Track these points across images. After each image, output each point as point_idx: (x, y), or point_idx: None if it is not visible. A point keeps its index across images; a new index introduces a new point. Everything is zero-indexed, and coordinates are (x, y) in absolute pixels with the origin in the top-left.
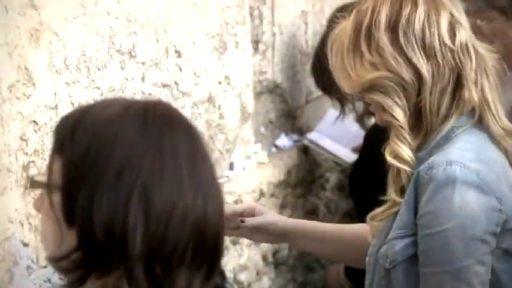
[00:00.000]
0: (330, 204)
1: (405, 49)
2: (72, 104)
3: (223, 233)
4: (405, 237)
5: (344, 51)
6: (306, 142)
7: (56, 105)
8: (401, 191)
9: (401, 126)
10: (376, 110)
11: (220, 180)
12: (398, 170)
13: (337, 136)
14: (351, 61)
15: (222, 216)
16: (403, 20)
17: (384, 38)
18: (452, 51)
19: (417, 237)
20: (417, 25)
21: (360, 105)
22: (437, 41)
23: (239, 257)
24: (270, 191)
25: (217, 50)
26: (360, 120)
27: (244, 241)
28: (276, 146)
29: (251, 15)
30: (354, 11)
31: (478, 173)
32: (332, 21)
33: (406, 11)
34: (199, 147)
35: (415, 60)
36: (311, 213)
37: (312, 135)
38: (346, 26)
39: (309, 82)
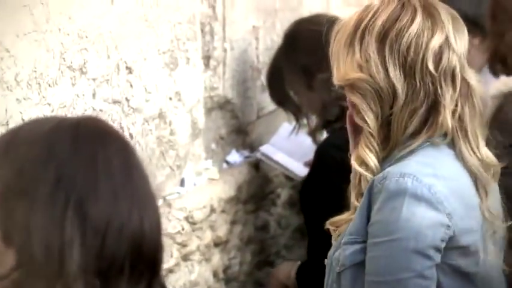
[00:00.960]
0: (281, 220)
1: (387, 61)
2: (23, 120)
3: (162, 244)
4: (355, 243)
5: (342, 43)
6: (258, 155)
7: (7, 122)
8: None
9: (371, 134)
10: (351, 112)
11: (170, 197)
12: (360, 177)
13: (290, 150)
14: (344, 55)
15: (160, 228)
16: (393, 32)
17: (372, 45)
18: (432, 76)
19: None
20: (404, 42)
21: (313, 119)
22: (419, 63)
23: (190, 273)
24: (221, 207)
25: (168, 66)
26: (313, 134)
27: (195, 257)
28: (227, 162)
29: (202, 31)
30: (364, 6)
31: (430, 187)
32: None
33: (400, 24)
34: (133, 160)
35: (392, 74)
36: (262, 229)
37: (265, 149)
38: (352, 18)
39: (260, 98)
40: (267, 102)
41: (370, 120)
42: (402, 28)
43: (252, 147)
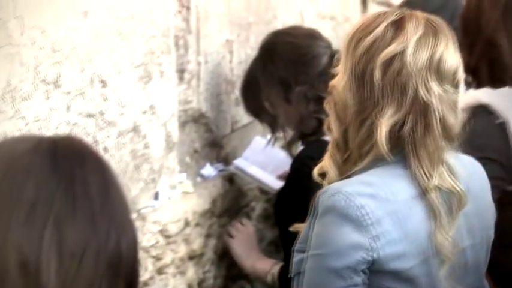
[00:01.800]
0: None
1: (345, 70)
2: None
3: (139, 266)
4: (301, 252)
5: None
6: (232, 169)
7: None
8: None
9: (337, 143)
10: (328, 123)
11: (144, 210)
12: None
13: (263, 163)
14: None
15: (136, 248)
16: (354, 41)
17: (342, 54)
18: (377, 88)
19: None
20: (359, 50)
21: (289, 132)
22: (368, 72)
23: (164, 286)
24: (195, 220)
25: (142, 80)
26: (288, 146)
27: (170, 270)
28: (201, 176)
29: (176, 44)
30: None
31: (360, 207)
32: None
33: (361, 33)
34: (110, 180)
35: (347, 83)
36: None
37: (239, 162)
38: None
39: (234, 111)
40: (241, 115)
41: (335, 129)
42: (362, 38)
43: (227, 161)
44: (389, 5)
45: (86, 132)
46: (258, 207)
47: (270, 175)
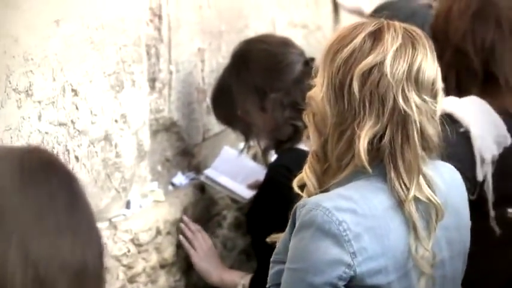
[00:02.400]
0: (226, 242)
1: (324, 81)
2: None
3: (104, 278)
4: (280, 263)
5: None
6: (202, 179)
7: None
8: None
9: (316, 154)
10: (307, 133)
11: (115, 219)
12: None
13: (233, 173)
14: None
15: (103, 262)
16: (332, 52)
17: (320, 66)
18: (356, 99)
19: None
20: (337, 62)
21: (263, 140)
22: (347, 84)
23: None
24: (167, 229)
25: (114, 89)
26: (263, 154)
27: (141, 279)
28: (173, 184)
29: (148, 53)
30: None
31: (340, 223)
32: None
33: (339, 45)
34: (77, 193)
35: (325, 94)
36: None
37: (209, 172)
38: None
39: (206, 120)
40: (212, 124)
41: (314, 140)
42: (339, 49)
43: (198, 169)
44: (360, 13)
45: (58, 141)
46: (230, 215)
47: (240, 184)
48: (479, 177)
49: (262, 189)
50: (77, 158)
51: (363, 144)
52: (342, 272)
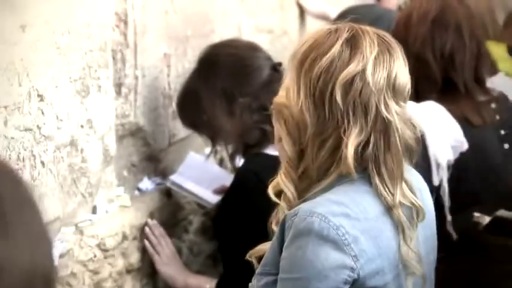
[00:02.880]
0: (193, 247)
1: (300, 89)
2: None
3: (55, 279)
4: (268, 274)
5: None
6: (168, 184)
7: None
8: None
9: (290, 162)
10: (276, 139)
11: (82, 224)
12: (278, 206)
13: (198, 178)
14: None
15: (53, 264)
16: (309, 60)
17: (293, 72)
18: (340, 108)
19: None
20: (316, 71)
21: (231, 144)
22: (328, 93)
23: None
24: (133, 234)
25: (80, 94)
26: (231, 159)
27: (107, 284)
28: (139, 189)
29: (114, 58)
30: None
31: (338, 228)
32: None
33: (316, 53)
34: (25, 196)
35: (303, 103)
36: None
37: (175, 178)
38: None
39: (172, 125)
40: (178, 129)
41: (288, 148)
42: (317, 57)
43: (164, 174)
44: (326, 18)
45: (23, 146)
46: (196, 220)
47: (206, 190)
48: (435, 182)
49: (230, 193)
50: (43, 163)
51: (350, 152)
52: (346, 275)
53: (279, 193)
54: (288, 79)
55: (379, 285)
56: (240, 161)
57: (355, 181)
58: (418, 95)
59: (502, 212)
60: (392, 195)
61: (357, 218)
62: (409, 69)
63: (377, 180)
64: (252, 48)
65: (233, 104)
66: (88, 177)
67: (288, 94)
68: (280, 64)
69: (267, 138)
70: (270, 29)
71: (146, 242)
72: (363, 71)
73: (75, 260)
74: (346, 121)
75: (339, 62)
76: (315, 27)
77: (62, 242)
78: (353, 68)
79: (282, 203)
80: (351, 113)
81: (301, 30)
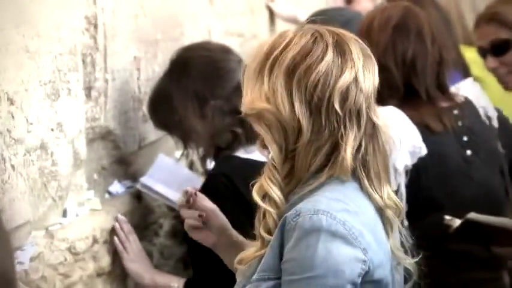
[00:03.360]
0: (163, 250)
1: (293, 96)
2: None
3: (16, 281)
4: (269, 279)
5: (252, 70)
6: (138, 186)
7: None
8: (269, 233)
9: (275, 166)
10: (259, 143)
11: (52, 228)
12: (265, 211)
13: (168, 181)
14: (253, 82)
15: (14, 269)
16: (302, 68)
17: (280, 78)
18: (338, 115)
19: (281, 281)
20: (312, 79)
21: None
22: (326, 101)
23: None
24: (104, 237)
25: (50, 97)
26: (202, 161)
27: (78, 287)
28: (109, 193)
29: (84, 61)
30: (279, 33)
31: (344, 223)
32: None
33: (310, 60)
34: None
35: (298, 111)
36: None
37: (145, 180)
38: (265, 44)
39: (142, 128)
40: (149, 132)
41: (274, 152)
42: (311, 64)
43: (134, 178)
44: (296, 21)
45: None
46: (166, 224)
47: (175, 192)
48: (393, 187)
49: None
50: (13, 166)
51: (349, 156)
52: (360, 269)
53: (263, 197)
54: (269, 84)
55: (382, 278)
56: (211, 164)
57: (344, 181)
58: (379, 101)
59: (472, 215)
60: (381, 197)
61: (355, 212)
62: None
63: (366, 182)
64: (225, 51)
65: (205, 106)
66: (58, 180)
67: (275, 100)
68: None
69: (238, 141)
70: (240, 32)
71: (115, 238)
72: (356, 78)
73: (46, 263)
74: (342, 127)
75: (335, 70)
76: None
77: (33, 246)
78: (348, 75)
79: (268, 207)
80: (347, 119)
81: (271, 33)
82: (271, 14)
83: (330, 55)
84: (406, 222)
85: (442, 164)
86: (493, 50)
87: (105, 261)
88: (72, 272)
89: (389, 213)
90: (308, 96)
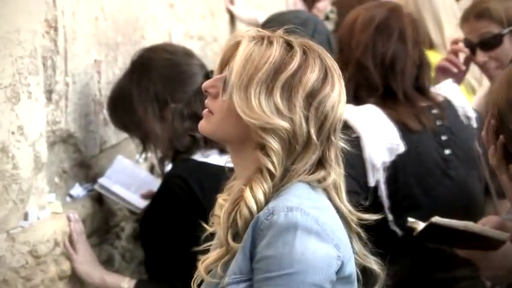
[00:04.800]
0: (125, 253)
1: (310, 121)
2: None
3: None
4: (241, 282)
5: (253, 76)
6: (96, 187)
7: None
8: (234, 237)
9: (273, 177)
10: (254, 147)
11: (13, 231)
12: (238, 215)
13: (126, 182)
14: (256, 90)
15: None
16: (320, 96)
17: (300, 101)
18: (329, 127)
19: (253, 281)
20: (326, 108)
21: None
22: (333, 129)
23: None
24: (65, 240)
25: (10, 101)
26: (159, 163)
27: None
28: (71, 196)
29: (44, 65)
30: (283, 47)
31: (317, 219)
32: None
33: (325, 91)
34: None
35: (313, 135)
36: (106, 263)
37: (102, 181)
38: (265, 52)
39: (103, 131)
40: (109, 135)
41: (277, 164)
42: (326, 95)
43: (96, 181)
44: (256, 24)
45: None
46: (128, 227)
47: (133, 194)
48: (371, 182)
49: (156, 197)
50: None
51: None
52: (336, 265)
53: (249, 205)
54: (283, 100)
55: (351, 273)
56: (169, 166)
57: (314, 187)
58: (358, 100)
59: (436, 219)
60: (344, 205)
61: (325, 208)
62: (351, 74)
63: (333, 192)
64: (188, 55)
65: (165, 109)
66: (19, 184)
67: (292, 118)
68: (213, 72)
69: (197, 145)
70: (200, 35)
71: (65, 240)
72: (333, 89)
73: (7, 266)
74: (332, 136)
75: (341, 102)
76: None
77: None
78: (329, 87)
79: (247, 214)
80: (333, 129)
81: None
82: (232, 17)
83: (338, 87)
84: (390, 217)
85: (420, 163)
86: (482, 45)
87: (67, 264)
88: (33, 275)
89: (354, 220)
90: (320, 123)
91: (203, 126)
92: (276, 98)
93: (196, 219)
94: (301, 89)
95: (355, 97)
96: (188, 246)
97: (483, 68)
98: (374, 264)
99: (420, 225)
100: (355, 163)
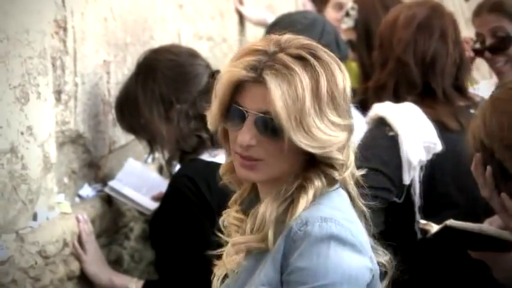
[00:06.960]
0: (134, 254)
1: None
2: None
3: None
4: None
5: (304, 107)
6: (107, 190)
7: None
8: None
9: (283, 190)
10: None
11: (22, 231)
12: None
13: (137, 185)
14: (314, 113)
15: None
16: (339, 91)
17: (341, 101)
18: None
19: None
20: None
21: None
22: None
23: None
24: (74, 241)
25: (20, 101)
26: (167, 164)
27: None
28: (80, 196)
29: (53, 65)
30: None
31: (351, 231)
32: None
33: (329, 74)
34: None
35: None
36: (115, 263)
37: (113, 183)
38: (298, 77)
39: (112, 132)
40: (118, 136)
41: (290, 178)
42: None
43: (104, 181)
44: (265, 25)
45: None
46: (137, 227)
47: (144, 196)
48: (406, 180)
49: (165, 199)
50: None
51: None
52: (368, 277)
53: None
54: (333, 112)
55: (376, 286)
56: (177, 167)
57: (338, 190)
58: (397, 97)
59: (451, 222)
60: (361, 202)
61: (354, 221)
62: (391, 71)
63: (351, 189)
64: (192, 56)
65: (170, 110)
66: (28, 184)
67: (343, 125)
68: (218, 72)
69: (203, 145)
70: (210, 36)
71: (75, 241)
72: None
73: (16, 267)
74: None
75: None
76: (254, 34)
77: (3, 249)
78: (342, 75)
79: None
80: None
81: (241, 37)
82: (241, 18)
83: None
84: (418, 216)
85: (458, 162)
86: (493, 49)
87: (76, 264)
88: (42, 276)
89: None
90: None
91: (253, 176)
92: (328, 115)
93: (204, 219)
94: (337, 92)
95: (394, 95)
96: (196, 246)
97: (490, 62)
98: (382, 257)
99: (434, 228)
100: (390, 160)
